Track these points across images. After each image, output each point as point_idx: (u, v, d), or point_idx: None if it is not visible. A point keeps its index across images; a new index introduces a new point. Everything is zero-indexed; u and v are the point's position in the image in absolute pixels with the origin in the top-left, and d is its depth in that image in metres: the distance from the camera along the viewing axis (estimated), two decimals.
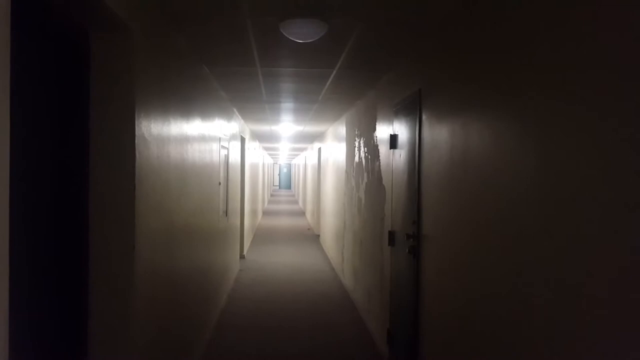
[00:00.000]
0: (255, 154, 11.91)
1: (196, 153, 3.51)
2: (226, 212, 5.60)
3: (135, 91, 2.07)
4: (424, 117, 3.01)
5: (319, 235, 10.88)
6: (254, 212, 11.26)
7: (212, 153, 4.37)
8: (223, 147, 5.13)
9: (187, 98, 3.20)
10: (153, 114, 2.35)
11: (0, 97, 1.08)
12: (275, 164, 37.49)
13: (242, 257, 8.15)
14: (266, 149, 16.56)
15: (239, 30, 2.85)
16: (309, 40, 2.78)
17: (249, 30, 2.84)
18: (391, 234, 3.75)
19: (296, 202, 23.76)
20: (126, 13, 1.94)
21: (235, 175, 6.65)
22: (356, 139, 5.65)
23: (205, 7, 2.48)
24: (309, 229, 12.82)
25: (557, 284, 1.53)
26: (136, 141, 2.07)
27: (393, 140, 3.73)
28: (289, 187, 39.16)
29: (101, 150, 2.03)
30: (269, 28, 2.78)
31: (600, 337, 1.33)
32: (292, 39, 2.75)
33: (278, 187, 40.11)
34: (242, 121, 7.48)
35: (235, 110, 6.36)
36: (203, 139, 3.85)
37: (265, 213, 17.15)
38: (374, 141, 4.59)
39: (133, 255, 2.06)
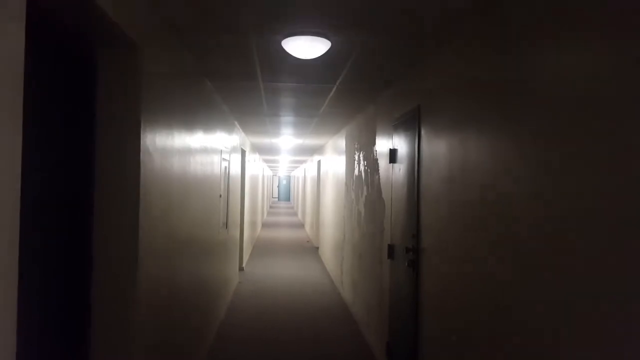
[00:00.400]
0: (255, 166, 11.96)
1: (198, 165, 3.56)
2: (226, 224, 5.63)
3: (141, 106, 2.12)
4: (423, 132, 3.06)
5: (318, 248, 10.88)
6: (253, 224, 11.27)
7: (214, 165, 4.41)
8: (224, 159, 5.18)
9: (191, 112, 3.25)
10: (158, 128, 2.40)
11: (14, 113, 1.12)
12: (275, 175, 37.54)
13: (241, 269, 8.15)
14: (266, 161, 16.62)
15: (243, 47, 2.92)
16: (311, 58, 2.84)
17: (253, 47, 2.91)
18: (390, 247, 3.78)
19: (295, 214, 23.76)
20: (134, 32, 2.00)
21: (235, 187, 6.69)
22: (356, 152, 5.70)
23: (211, 25, 2.54)
24: (308, 241, 12.82)
25: (559, 301, 1.56)
26: (141, 156, 2.12)
27: (392, 155, 3.78)
28: (288, 199, 39.17)
29: (107, 164, 2.07)
30: (272, 45, 2.85)
31: (605, 351, 1.36)
32: (295, 56, 2.81)
33: (277, 199, 40.11)
34: (242, 134, 7.54)
35: (236, 123, 6.42)
36: (205, 151, 3.89)
37: (265, 225, 17.16)
38: (373, 155, 4.64)
39: (136, 266, 2.09)
